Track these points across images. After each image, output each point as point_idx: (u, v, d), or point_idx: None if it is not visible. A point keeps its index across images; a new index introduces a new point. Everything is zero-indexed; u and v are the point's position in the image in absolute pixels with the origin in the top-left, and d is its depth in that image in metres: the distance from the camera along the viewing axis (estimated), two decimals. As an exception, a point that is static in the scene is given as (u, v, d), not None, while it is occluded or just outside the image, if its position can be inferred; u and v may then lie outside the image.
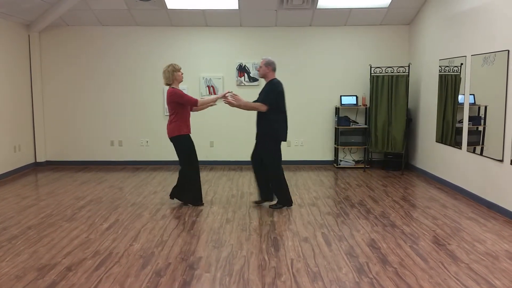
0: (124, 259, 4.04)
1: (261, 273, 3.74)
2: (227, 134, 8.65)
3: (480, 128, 6.06)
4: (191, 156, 5.69)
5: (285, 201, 5.73)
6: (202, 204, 5.85)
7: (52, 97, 8.62)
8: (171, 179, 7.47)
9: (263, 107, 5.48)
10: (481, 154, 5.90)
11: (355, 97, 8.45)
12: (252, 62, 8.52)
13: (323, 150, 8.79)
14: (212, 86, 8.56)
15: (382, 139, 8.14)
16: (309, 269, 3.81)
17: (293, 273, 3.74)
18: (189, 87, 8.58)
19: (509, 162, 5.22)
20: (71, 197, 6.27)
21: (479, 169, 5.93)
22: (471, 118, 6.20)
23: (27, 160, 8.38)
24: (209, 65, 8.59)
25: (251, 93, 8.26)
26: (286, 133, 5.67)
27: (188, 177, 5.71)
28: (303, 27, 8.51)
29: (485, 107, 5.89)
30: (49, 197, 6.28)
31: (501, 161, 5.39)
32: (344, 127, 8.41)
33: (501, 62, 5.36)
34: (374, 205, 5.87)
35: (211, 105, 5.95)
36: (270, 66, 5.56)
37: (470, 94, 6.17)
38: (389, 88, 8.02)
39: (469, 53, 6.15)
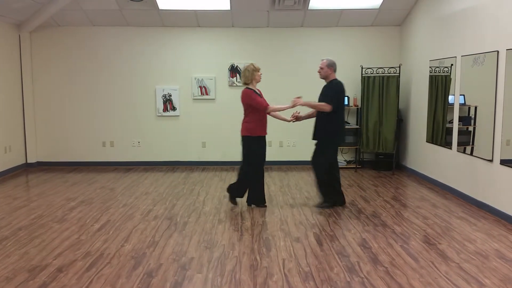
0: (115, 260, 4.02)
1: (253, 273, 3.75)
2: (219, 134, 8.64)
3: (470, 128, 6.12)
4: (257, 158, 5.65)
5: (334, 201, 5.77)
6: (265, 206, 5.81)
7: (43, 97, 8.57)
8: (163, 179, 7.46)
9: (328, 107, 5.52)
10: (471, 154, 5.96)
11: (346, 97, 8.47)
12: (244, 63, 8.51)
13: (315, 150, 8.79)
14: (204, 86, 8.55)
15: (373, 139, 8.18)
16: (300, 269, 3.82)
17: (284, 273, 3.75)
18: (181, 88, 8.57)
19: (499, 162, 5.28)
20: (62, 198, 6.24)
21: (469, 169, 5.99)
22: (461, 119, 6.26)
23: (18, 161, 8.32)
24: (201, 66, 8.58)
25: (243, 93, 8.31)
26: (344, 136, 5.89)
27: (250, 177, 5.67)
28: (295, 28, 8.53)
29: (475, 108, 5.95)
30: (40, 198, 6.24)
31: (491, 161, 5.44)
32: (335, 127, 8.43)
33: (491, 63, 5.41)
34: (365, 205, 5.90)
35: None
36: (332, 67, 5.66)
37: (460, 95, 6.23)
38: (380, 89, 8.07)
39: (459, 54, 6.20)
